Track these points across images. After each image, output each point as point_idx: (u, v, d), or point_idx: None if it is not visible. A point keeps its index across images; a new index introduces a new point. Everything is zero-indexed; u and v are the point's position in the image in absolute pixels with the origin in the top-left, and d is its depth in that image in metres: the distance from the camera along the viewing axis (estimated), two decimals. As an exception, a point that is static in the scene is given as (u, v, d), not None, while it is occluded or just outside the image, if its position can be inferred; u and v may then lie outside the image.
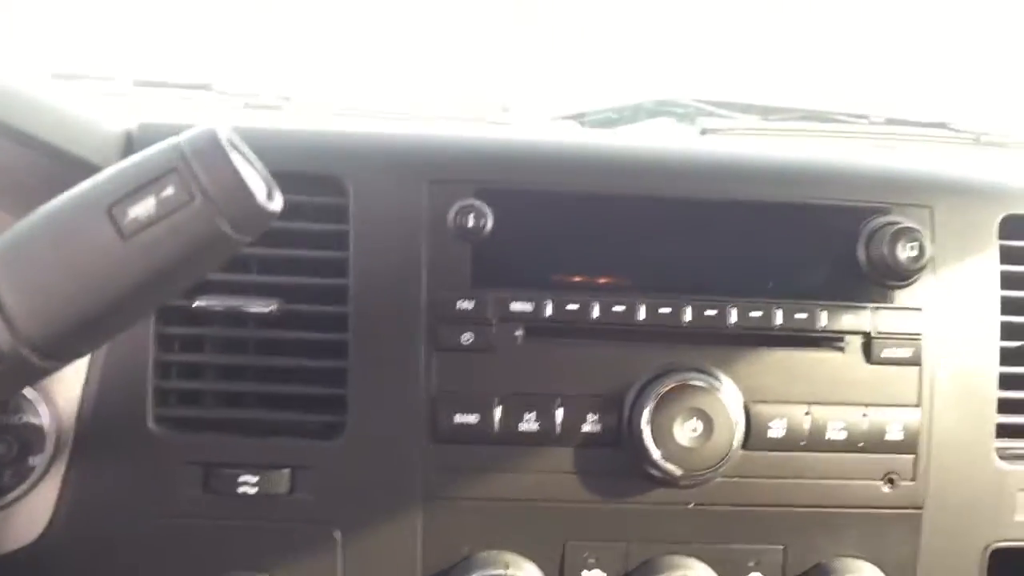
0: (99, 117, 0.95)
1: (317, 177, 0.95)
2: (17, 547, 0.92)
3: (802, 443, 0.95)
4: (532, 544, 0.94)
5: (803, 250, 0.98)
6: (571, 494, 0.94)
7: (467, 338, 0.92)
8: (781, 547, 0.97)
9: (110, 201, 0.65)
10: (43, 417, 0.92)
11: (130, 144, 0.93)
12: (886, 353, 0.96)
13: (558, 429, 0.92)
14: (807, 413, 0.95)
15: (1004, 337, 1.00)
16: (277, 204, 0.70)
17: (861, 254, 0.97)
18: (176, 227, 0.65)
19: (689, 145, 1.08)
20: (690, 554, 0.96)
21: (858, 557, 0.97)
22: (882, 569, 0.97)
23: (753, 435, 0.94)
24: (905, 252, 0.94)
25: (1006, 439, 1.00)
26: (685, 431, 0.91)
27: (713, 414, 0.92)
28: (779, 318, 0.95)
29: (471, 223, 0.92)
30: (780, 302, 0.95)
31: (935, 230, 0.98)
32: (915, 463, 0.97)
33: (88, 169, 0.72)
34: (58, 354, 0.69)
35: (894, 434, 0.96)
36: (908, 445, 0.96)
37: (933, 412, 0.97)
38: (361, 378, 0.92)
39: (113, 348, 0.92)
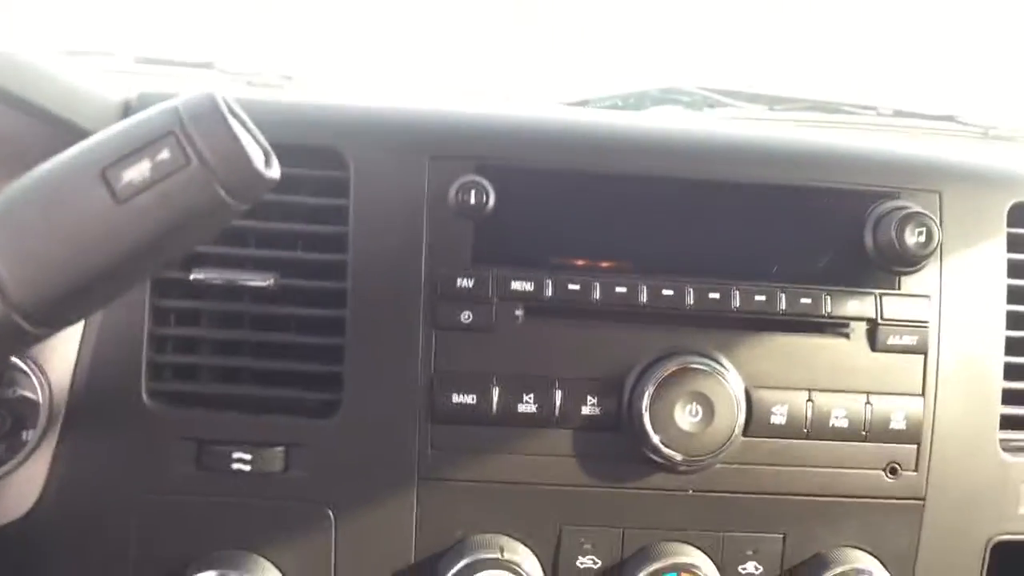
0: (99, 87, 0.94)
1: (317, 150, 0.93)
2: (6, 521, 0.91)
3: (804, 430, 0.93)
4: (527, 528, 0.93)
5: (809, 234, 0.97)
6: (568, 478, 0.93)
7: (466, 317, 0.91)
8: (780, 536, 0.95)
9: (104, 164, 0.64)
10: (37, 390, 0.91)
11: (128, 113, 0.92)
12: (891, 340, 0.95)
13: (557, 411, 0.91)
14: (809, 400, 0.93)
15: (1010, 326, 0.98)
16: (275, 172, 0.68)
17: (868, 239, 0.95)
18: (171, 191, 0.64)
19: (695, 125, 1.06)
20: (687, 541, 0.95)
21: (858, 548, 0.96)
22: (882, 560, 0.96)
23: (754, 421, 0.93)
24: (913, 237, 0.93)
25: (1010, 430, 0.99)
26: (686, 416, 0.90)
27: (714, 399, 0.90)
28: (783, 303, 0.93)
29: (473, 200, 0.91)
30: (784, 286, 0.94)
31: (943, 216, 0.97)
32: (918, 453, 0.96)
33: (86, 137, 0.71)
34: (50, 321, 0.67)
35: (897, 423, 0.94)
36: (911, 435, 0.95)
37: (937, 401, 0.96)
38: (358, 356, 0.91)
39: (107, 320, 0.91)
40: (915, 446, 0.96)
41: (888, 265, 0.95)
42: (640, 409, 0.90)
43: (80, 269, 0.65)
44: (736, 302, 0.93)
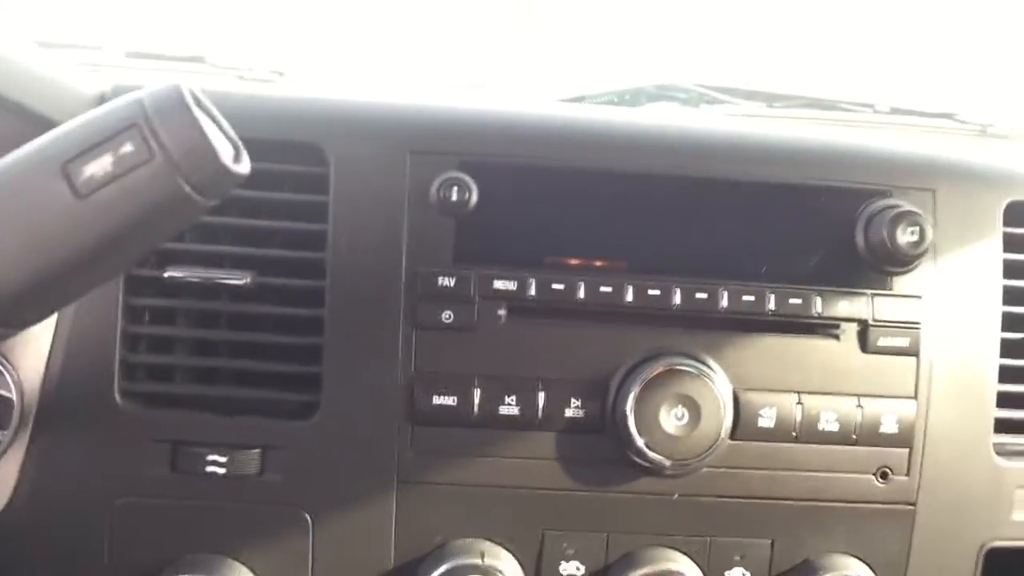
0: (74, 79, 0.92)
1: (296, 145, 0.91)
2: (-23, 523, 0.89)
3: (793, 434, 0.91)
4: (509, 532, 0.91)
5: (800, 233, 0.94)
6: (551, 481, 0.91)
7: (448, 316, 0.89)
8: (768, 541, 0.93)
9: (65, 158, 0.62)
10: (11, 388, 0.88)
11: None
12: (883, 342, 0.93)
13: (540, 413, 0.89)
14: (799, 403, 0.91)
15: (1005, 328, 0.96)
16: (244, 167, 0.66)
17: (859, 238, 0.93)
18: (134, 186, 0.62)
19: (684, 122, 1.04)
20: (673, 546, 0.93)
21: (848, 554, 0.94)
22: (872, 567, 0.94)
23: (742, 424, 0.91)
24: (905, 236, 0.91)
25: (1005, 434, 0.97)
26: (671, 418, 0.88)
27: (701, 401, 0.88)
28: (772, 303, 0.91)
29: (455, 197, 0.89)
30: (773, 286, 0.91)
31: (937, 215, 0.95)
32: (910, 457, 0.94)
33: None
34: (8, 320, 0.65)
35: (889, 427, 0.92)
36: (903, 438, 0.93)
37: (930, 405, 0.93)
38: (337, 356, 0.89)
39: (80, 318, 0.89)
40: (907, 450, 0.93)
41: (880, 265, 0.93)
42: (625, 411, 0.88)
43: (39, 267, 0.63)
44: (724, 302, 0.91)
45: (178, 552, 0.89)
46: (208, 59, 1.36)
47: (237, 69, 1.33)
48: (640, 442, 0.88)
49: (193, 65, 1.34)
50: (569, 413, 0.90)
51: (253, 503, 0.89)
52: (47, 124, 0.82)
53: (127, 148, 0.62)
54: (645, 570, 0.90)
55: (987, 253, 0.96)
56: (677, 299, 0.90)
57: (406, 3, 1.87)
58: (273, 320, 0.91)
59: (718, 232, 0.94)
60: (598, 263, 0.92)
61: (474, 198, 0.89)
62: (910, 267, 0.93)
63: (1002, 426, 0.97)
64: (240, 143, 0.67)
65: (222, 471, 0.88)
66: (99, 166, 0.62)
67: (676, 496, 0.92)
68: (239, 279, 0.88)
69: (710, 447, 0.88)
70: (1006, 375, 0.96)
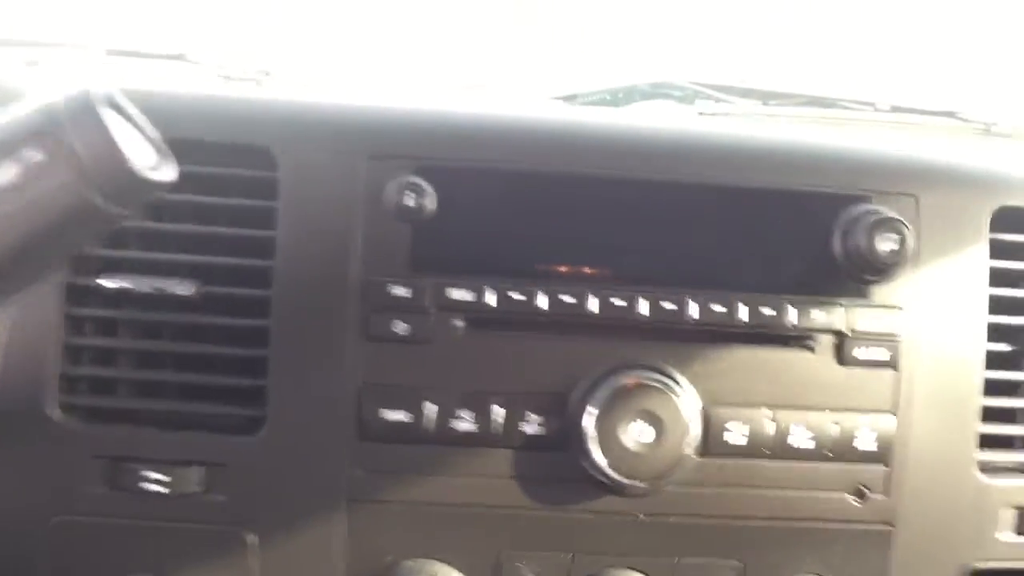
0: (24, 85, 0.88)
1: (244, 148, 0.87)
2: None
3: (765, 450, 0.87)
4: (464, 553, 0.87)
5: (776, 240, 0.90)
6: (509, 500, 0.86)
7: (401, 328, 0.85)
8: (738, 563, 0.89)
9: None
10: None
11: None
12: (860, 354, 0.88)
13: (497, 429, 0.85)
14: (771, 418, 0.87)
15: (991, 339, 0.91)
16: (166, 175, 0.62)
17: (837, 246, 0.88)
18: (40, 197, 0.58)
19: (657, 123, 0.99)
20: (638, 568, 0.88)
21: None
22: None
23: (711, 440, 0.86)
24: (884, 244, 0.86)
25: (990, 450, 0.92)
26: (633, 435, 0.84)
27: (665, 417, 0.84)
28: (744, 313, 0.87)
29: (411, 203, 0.84)
30: (745, 296, 0.87)
31: (920, 221, 0.90)
32: (888, 475, 0.89)
33: None
34: None
35: (866, 443, 0.88)
36: (881, 455, 0.88)
37: (910, 420, 0.89)
38: (283, 368, 0.85)
39: (17, 329, 0.85)
40: (885, 467, 0.89)
41: (858, 274, 0.88)
42: (584, 428, 0.84)
43: None
44: (692, 313, 0.86)
45: (118, 574, 0.85)
46: (191, 57, 1.32)
47: (222, 67, 1.29)
48: (600, 460, 0.83)
49: (176, 63, 1.30)
50: (528, 429, 0.85)
51: (196, 523, 0.86)
52: None
53: (33, 156, 0.58)
54: None
55: (973, 261, 0.91)
56: (643, 309, 0.86)
57: (401, 3, 1.83)
58: (219, 331, 0.87)
59: (691, 239, 0.89)
60: (562, 270, 0.87)
61: (432, 204, 0.85)
62: (890, 276, 0.88)
63: (987, 442, 0.92)
64: (166, 148, 0.63)
65: (163, 489, 0.84)
66: (3, 174, 0.58)
67: (641, 516, 0.88)
68: (185, 289, 0.84)
69: (674, 465, 0.84)
70: (991, 388, 0.91)
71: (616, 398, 0.84)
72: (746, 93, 1.48)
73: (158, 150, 0.62)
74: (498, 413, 0.85)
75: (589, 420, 0.83)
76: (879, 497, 0.89)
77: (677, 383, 0.86)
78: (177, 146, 0.86)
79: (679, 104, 1.49)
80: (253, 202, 0.87)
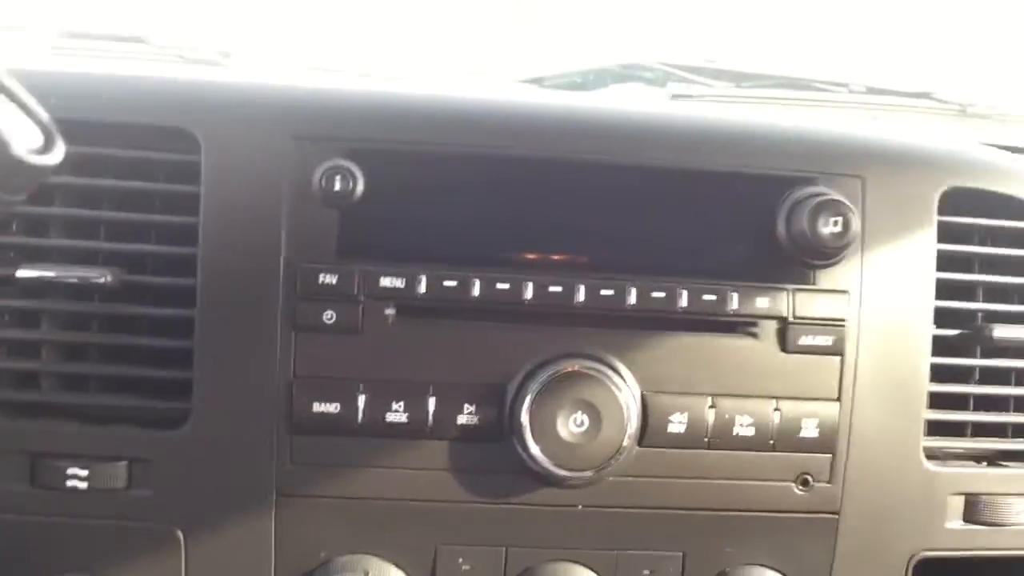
0: None
1: (165, 130, 0.84)
2: None
3: (705, 439, 0.85)
4: (399, 548, 0.85)
5: (722, 224, 0.87)
6: (444, 493, 0.84)
7: (329, 316, 0.82)
8: (680, 554, 0.87)
9: None
10: None
11: None
12: (804, 340, 0.86)
13: (430, 421, 0.82)
14: (712, 406, 0.85)
15: (938, 324, 0.89)
16: (52, 158, 0.59)
17: (781, 229, 0.86)
18: None
19: (600, 103, 0.97)
20: (578, 561, 0.87)
21: (766, 566, 0.88)
22: None
23: (651, 430, 0.84)
24: (828, 227, 0.84)
25: (937, 438, 0.91)
26: (570, 425, 0.81)
27: (601, 407, 0.82)
28: (684, 300, 0.84)
29: (338, 186, 0.81)
30: (686, 282, 0.84)
31: (866, 203, 0.88)
32: (832, 463, 0.87)
33: None
34: None
35: (809, 431, 0.86)
36: (824, 443, 0.86)
37: (854, 407, 0.87)
38: (208, 360, 0.82)
39: None
40: (829, 456, 0.87)
41: (803, 258, 0.86)
42: (520, 418, 0.81)
43: None
44: (632, 299, 0.84)
45: (41, 574, 0.83)
46: (149, 39, 1.29)
47: (180, 49, 1.26)
48: (536, 451, 0.81)
49: (133, 46, 1.27)
50: (462, 420, 0.83)
51: (120, 520, 0.83)
52: None
53: None
54: None
55: (920, 244, 0.89)
56: (581, 296, 0.84)
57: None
58: (147, 322, 0.84)
59: (633, 223, 0.87)
60: (498, 256, 0.84)
61: (360, 188, 0.82)
62: (835, 260, 0.86)
63: (934, 429, 0.91)
64: (54, 130, 0.60)
65: (83, 485, 0.81)
66: None
67: (580, 507, 0.86)
68: (99, 277, 0.81)
69: (611, 456, 0.82)
70: (938, 374, 0.90)
71: (552, 387, 0.82)
72: (718, 74, 1.46)
73: (45, 132, 0.58)
74: (432, 404, 0.82)
75: (525, 410, 0.81)
76: (824, 485, 0.87)
77: (616, 371, 0.83)
78: (97, 129, 0.84)
79: (650, 86, 1.47)
80: (176, 187, 0.84)
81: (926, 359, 0.89)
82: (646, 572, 0.87)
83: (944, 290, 0.90)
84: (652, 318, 0.85)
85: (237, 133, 0.84)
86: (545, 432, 0.81)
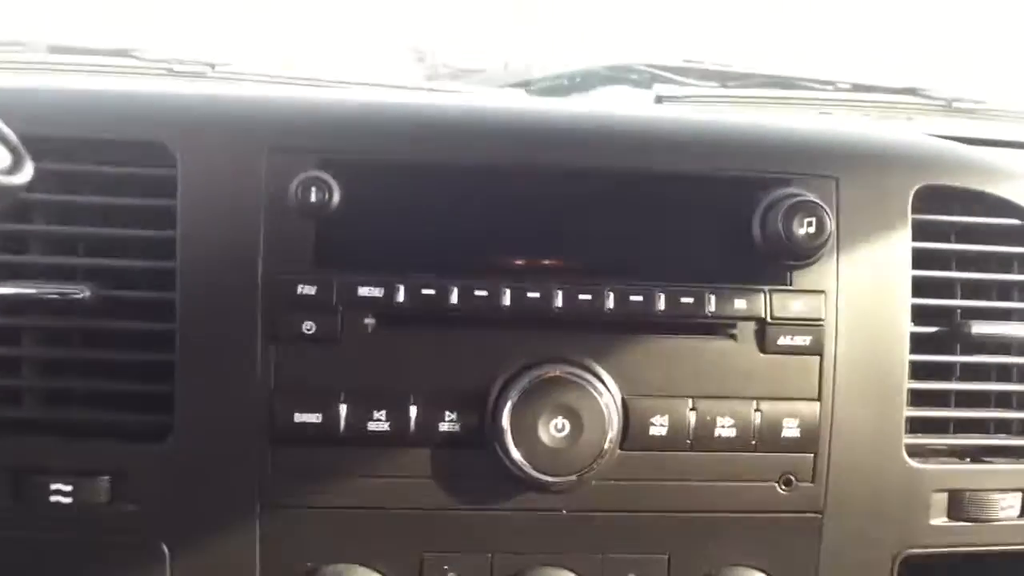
0: None
1: (140, 144, 0.84)
2: None
3: (687, 441, 0.85)
4: (385, 556, 0.85)
5: (695, 227, 0.88)
6: (428, 500, 0.84)
7: (308, 327, 0.82)
8: (665, 557, 0.87)
9: None
10: None
11: None
12: (782, 341, 0.86)
13: (412, 428, 0.83)
14: (692, 408, 0.85)
15: (916, 322, 0.90)
16: (20, 177, 0.60)
17: (756, 231, 0.87)
18: None
19: (575, 108, 0.97)
20: (563, 565, 0.87)
21: (751, 567, 0.88)
22: None
23: (632, 433, 0.84)
24: (802, 228, 0.84)
25: (919, 435, 0.91)
26: (550, 430, 0.82)
27: (582, 411, 0.82)
28: (662, 303, 0.85)
29: (314, 197, 0.82)
30: (663, 285, 0.85)
31: (840, 203, 0.88)
32: (814, 462, 0.88)
33: None
34: None
35: (790, 431, 0.86)
36: (806, 443, 0.87)
37: (835, 406, 0.87)
38: (189, 373, 0.82)
39: None
40: (811, 455, 0.87)
41: (779, 259, 0.87)
42: (502, 424, 0.82)
43: None
44: (610, 303, 0.84)
45: None
46: (135, 52, 1.30)
47: (166, 62, 1.26)
48: (517, 456, 0.81)
49: (119, 60, 1.27)
50: (444, 427, 0.83)
51: (105, 534, 0.83)
52: None
53: None
54: None
55: (895, 243, 0.90)
56: (559, 302, 0.84)
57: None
58: (127, 337, 0.84)
59: (610, 228, 0.87)
60: (475, 263, 0.85)
61: (336, 198, 0.82)
62: (811, 260, 0.87)
63: (915, 426, 0.91)
64: (22, 150, 0.60)
65: (67, 500, 0.81)
66: None
67: (564, 512, 0.86)
68: (78, 293, 0.82)
69: (594, 460, 0.82)
70: (918, 371, 0.90)
71: (533, 393, 0.82)
72: (704, 75, 1.46)
73: (13, 151, 0.59)
74: (414, 412, 0.83)
75: (506, 416, 0.82)
76: (807, 485, 0.88)
77: (596, 376, 0.84)
78: (73, 145, 0.84)
79: (636, 88, 1.48)
80: (152, 201, 0.84)
81: (905, 357, 0.89)
82: (631, 575, 0.87)
83: (921, 288, 0.90)
84: (631, 322, 0.85)
85: (212, 146, 0.84)
86: (526, 437, 0.81)
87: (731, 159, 0.89)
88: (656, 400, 0.85)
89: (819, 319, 0.87)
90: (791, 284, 0.87)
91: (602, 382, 0.84)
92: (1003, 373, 0.94)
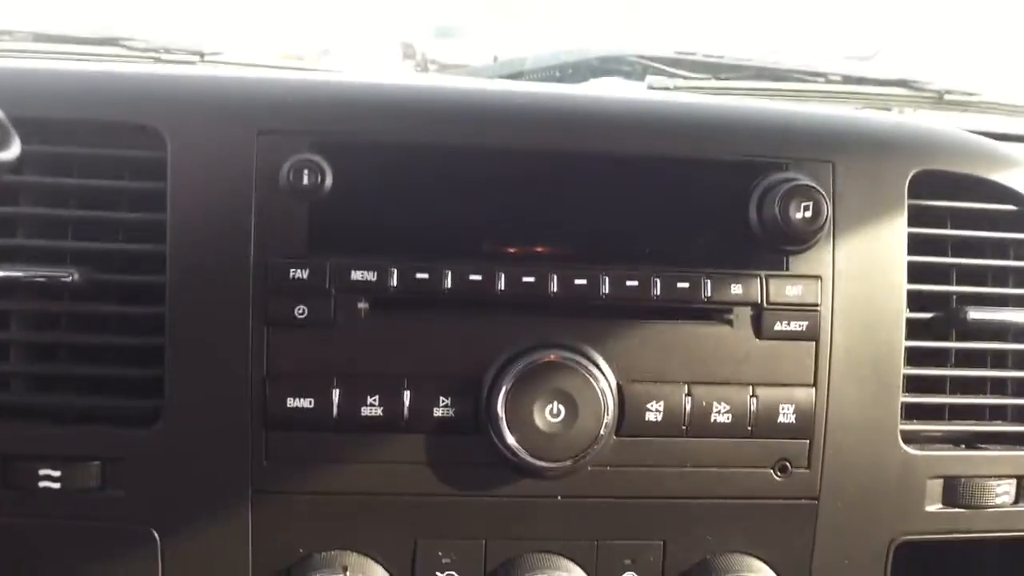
0: None
1: (131, 127, 0.83)
2: None
3: (683, 427, 0.85)
4: (378, 543, 0.84)
5: (692, 212, 0.87)
6: (422, 486, 0.84)
7: (301, 311, 0.82)
8: (660, 543, 0.87)
9: None
10: None
11: None
12: (778, 326, 0.86)
13: (406, 414, 0.82)
14: (688, 394, 0.84)
15: (912, 308, 0.90)
16: (7, 154, 0.59)
17: (753, 216, 0.86)
18: None
19: (566, 91, 0.97)
20: (558, 552, 0.86)
21: (746, 553, 0.88)
22: (773, 566, 0.88)
23: (628, 419, 0.84)
24: (799, 213, 0.84)
25: (914, 421, 0.91)
26: (546, 416, 0.81)
27: (578, 396, 0.81)
28: (658, 288, 0.84)
29: (306, 180, 0.81)
30: (659, 270, 0.84)
31: (836, 189, 0.88)
32: (810, 449, 0.87)
33: None
34: None
35: (786, 417, 0.86)
36: (802, 429, 0.86)
37: (831, 392, 0.87)
38: (179, 357, 0.81)
39: None
40: (806, 441, 0.87)
41: (775, 244, 0.86)
42: (496, 409, 0.81)
43: None
44: (605, 288, 0.84)
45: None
46: (122, 40, 1.28)
47: (155, 51, 1.25)
48: (512, 441, 0.81)
49: (107, 48, 1.26)
50: (438, 413, 0.82)
51: (95, 520, 0.82)
52: None
53: None
54: None
55: (891, 228, 0.89)
56: (554, 287, 0.83)
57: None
58: (117, 320, 0.83)
59: (606, 212, 0.86)
60: (470, 247, 0.84)
61: (328, 181, 0.81)
62: (807, 245, 0.87)
63: (911, 412, 0.91)
64: (8, 126, 0.59)
65: (56, 485, 0.80)
66: None
67: (559, 498, 0.85)
68: (66, 276, 0.81)
69: (589, 446, 0.82)
70: (913, 357, 0.90)
71: (528, 378, 0.81)
72: (696, 66, 1.46)
73: (1, 129, 0.58)
74: (407, 397, 0.82)
75: (501, 401, 0.81)
76: (802, 471, 0.87)
77: (592, 361, 0.83)
78: (63, 127, 0.83)
79: (628, 80, 1.47)
80: (142, 184, 0.83)
81: (901, 343, 0.89)
82: (627, 561, 0.87)
83: (917, 273, 0.90)
84: (627, 307, 0.85)
85: (203, 128, 0.83)
86: (522, 423, 0.81)
87: (727, 144, 0.88)
88: (652, 386, 0.84)
89: (815, 304, 0.87)
90: (787, 269, 0.87)
91: (598, 367, 0.83)
92: (998, 359, 0.94)
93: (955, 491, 0.91)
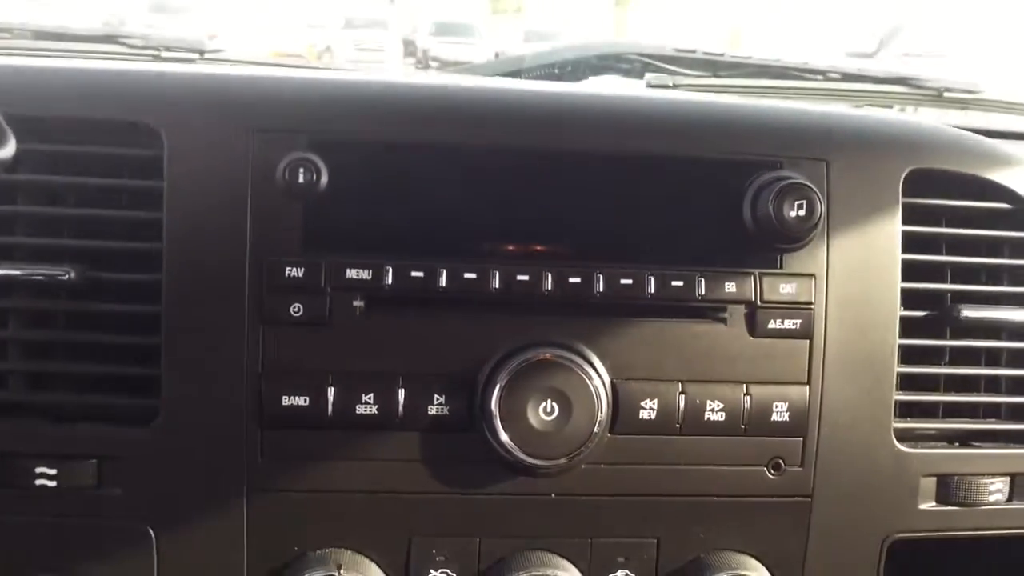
0: None
1: (127, 125, 0.83)
2: None
3: (677, 425, 0.85)
4: (373, 540, 0.85)
5: (685, 210, 0.88)
6: (417, 484, 0.84)
7: (297, 309, 0.82)
8: (654, 541, 0.87)
9: None
10: None
11: None
12: (772, 324, 0.86)
13: (400, 412, 0.82)
14: (682, 392, 0.85)
15: (906, 306, 0.90)
16: (3, 152, 0.59)
17: (747, 214, 0.86)
18: None
19: (560, 90, 0.97)
20: (552, 550, 0.86)
21: (740, 551, 0.88)
22: (767, 564, 0.88)
23: (621, 417, 0.84)
24: (793, 211, 0.84)
25: (908, 419, 0.91)
26: (539, 414, 0.81)
27: (572, 394, 0.82)
28: (652, 286, 0.84)
29: (302, 179, 0.81)
30: (653, 268, 0.85)
31: (830, 186, 0.88)
32: (803, 447, 0.87)
33: None
34: None
35: (780, 415, 0.86)
36: (795, 427, 0.87)
37: (824, 390, 0.87)
38: (176, 356, 0.82)
39: None
40: (800, 439, 0.87)
41: (769, 242, 0.87)
42: (490, 407, 0.81)
43: None
44: (599, 287, 0.84)
45: (10, 575, 0.82)
46: (123, 39, 1.29)
47: (154, 48, 1.25)
48: (506, 439, 0.81)
49: (107, 46, 1.26)
50: (433, 411, 0.83)
51: (91, 518, 0.82)
52: None
53: None
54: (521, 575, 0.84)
55: (885, 226, 0.89)
56: (548, 284, 0.84)
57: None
58: (113, 319, 0.84)
59: (600, 211, 0.87)
60: (465, 246, 0.84)
61: (324, 180, 0.81)
62: (801, 244, 0.87)
63: (904, 410, 0.91)
64: (4, 125, 0.59)
65: (52, 484, 0.81)
66: None
67: (553, 495, 0.85)
68: (63, 274, 0.81)
69: (584, 443, 0.82)
70: (907, 355, 0.90)
71: (522, 376, 0.82)
72: (694, 64, 1.46)
73: None
74: (402, 395, 0.82)
75: (495, 399, 0.81)
76: (795, 469, 0.88)
77: (585, 359, 0.83)
78: (59, 125, 0.84)
79: (627, 77, 1.48)
80: (139, 182, 0.83)
81: (894, 341, 0.89)
82: (620, 559, 0.87)
83: (911, 272, 0.90)
84: (621, 305, 0.85)
85: (199, 126, 0.83)
86: (516, 421, 0.81)
87: (722, 142, 0.88)
88: (646, 384, 0.85)
89: (809, 303, 0.87)
90: (781, 268, 0.87)
91: (592, 365, 0.83)
92: (992, 357, 0.94)
93: (948, 489, 0.91)
